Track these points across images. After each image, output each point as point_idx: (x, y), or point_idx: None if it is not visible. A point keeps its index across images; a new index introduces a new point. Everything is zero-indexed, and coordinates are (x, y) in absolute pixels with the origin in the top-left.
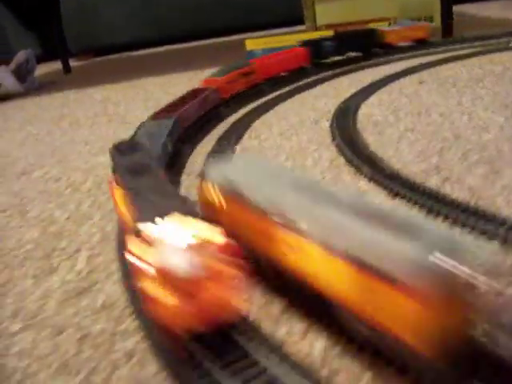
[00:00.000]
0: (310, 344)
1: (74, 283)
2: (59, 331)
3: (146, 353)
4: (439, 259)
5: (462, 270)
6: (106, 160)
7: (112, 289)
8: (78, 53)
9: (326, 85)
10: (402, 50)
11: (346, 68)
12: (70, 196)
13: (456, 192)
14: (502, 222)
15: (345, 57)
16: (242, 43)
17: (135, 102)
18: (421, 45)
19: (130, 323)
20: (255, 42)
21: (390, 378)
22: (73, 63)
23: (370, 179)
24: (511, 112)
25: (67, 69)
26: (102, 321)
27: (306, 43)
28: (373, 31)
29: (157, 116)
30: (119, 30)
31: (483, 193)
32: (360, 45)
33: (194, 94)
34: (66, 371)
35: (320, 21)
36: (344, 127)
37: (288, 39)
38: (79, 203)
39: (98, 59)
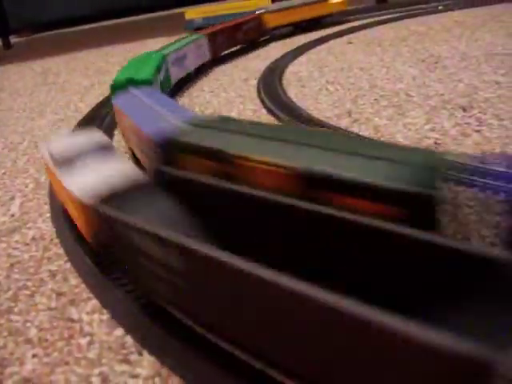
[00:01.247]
0: None
1: (7, 224)
2: None
3: (69, 272)
4: None
5: None
6: (43, 123)
7: (42, 226)
8: (19, 29)
9: (259, 50)
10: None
11: (279, 33)
12: (7, 155)
13: (362, 131)
14: None
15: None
16: (181, 15)
17: (75, 71)
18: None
19: (56, 250)
20: (195, 12)
21: None
22: (13, 40)
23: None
24: (426, 65)
25: (7, 45)
26: (31, 250)
27: None
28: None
29: None
30: (59, 5)
31: (386, 130)
32: None
33: None
34: None
35: None
36: (270, 83)
37: (228, 7)
38: (15, 161)
39: (39, 35)
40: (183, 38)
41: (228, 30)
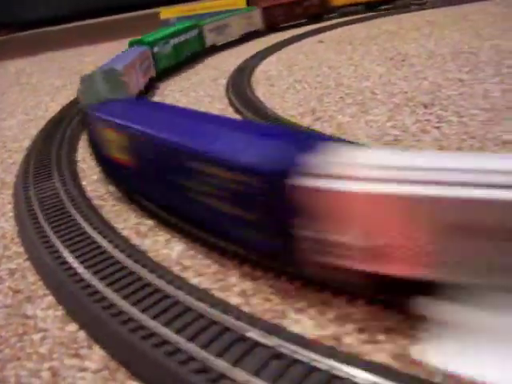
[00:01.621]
0: (169, 250)
1: None
2: None
3: (27, 270)
4: None
5: None
6: (13, 123)
7: (5, 225)
8: None
9: (230, 50)
10: None
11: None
12: None
13: (325, 128)
14: None
15: None
16: (154, 15)
17: (49, 71)
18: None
19: (17, 249)
20: (170, 11)
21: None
22: None
23: None
24: (393, 63)
25: None
26: None
27: None
28: None
29: None
30: (36, 6)
31: (349, 127)
32: None
33: None
34: None
35: None
36: (239, 82)
37: (201, 7)
38: None
39: (15, 35)
40: (233, 10)
41: (286, 4)
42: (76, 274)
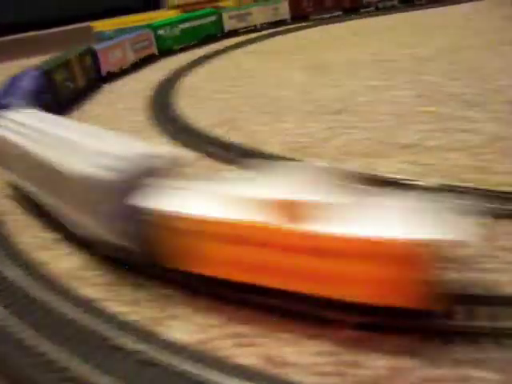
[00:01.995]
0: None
1: None
2: None
3: None
4: None
5: None
6: None
7: None
8: None
9: (163, 61)
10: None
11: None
12: None
13: (237, 137)
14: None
15: None
16: (85, 29)
17: None
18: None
19: None
20: (103, 24)
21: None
22: None
23: (174, 135)
24: (314, 71)
25: None
26: None
27: None
28: None
29: None
30: None
31: (260, 136)
32: None
33: None
34: None
35: (171, 2)
36: (162, 94)
37: (133, 20)
38: None
39: None
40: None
41: None
42: None
